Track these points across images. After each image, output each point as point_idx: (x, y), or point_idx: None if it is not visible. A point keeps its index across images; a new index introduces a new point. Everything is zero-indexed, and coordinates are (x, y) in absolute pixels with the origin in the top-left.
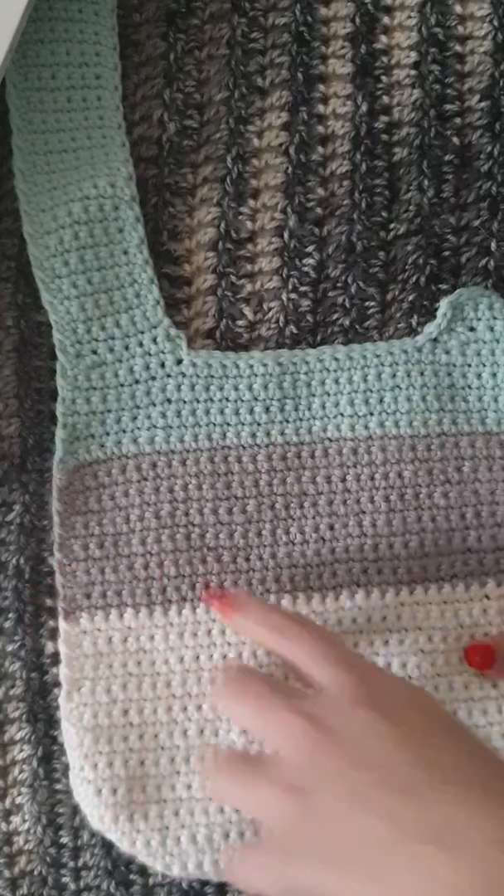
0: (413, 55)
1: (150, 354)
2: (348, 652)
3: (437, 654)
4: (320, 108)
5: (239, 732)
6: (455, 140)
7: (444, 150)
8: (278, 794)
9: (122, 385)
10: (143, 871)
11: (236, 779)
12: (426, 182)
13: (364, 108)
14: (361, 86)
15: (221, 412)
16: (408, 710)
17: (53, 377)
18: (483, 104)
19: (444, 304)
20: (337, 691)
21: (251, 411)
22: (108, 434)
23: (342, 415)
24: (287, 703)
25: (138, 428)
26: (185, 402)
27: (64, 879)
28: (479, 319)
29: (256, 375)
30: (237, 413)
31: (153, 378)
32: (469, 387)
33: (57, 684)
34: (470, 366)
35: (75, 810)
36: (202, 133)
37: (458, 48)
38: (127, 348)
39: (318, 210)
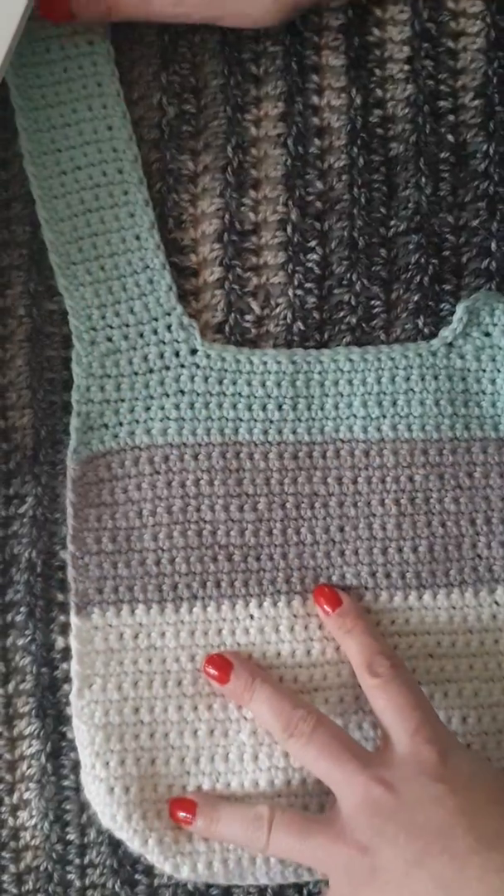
0: (406, 50)
1: (164, 343)
2: (431, 714)
3: (446, 660)
4: (315, 100)
5: (249, 734)
6: (450, 137)
7: (440, 147)
8: (340, 846)
9: (136, 374)
10: (149, 871)
11: (295, 832)
12: (423, 180)
13: (358, 101)
14: (355, 79)
15: (234, 407)
16: (474, 783)
17: (66, 367)
18: (476, 102)
19: (460, 309)
20: (415, 766)
21: (264, 408)
22: (121, 424)
23: (355, 416)
24: (357, 762)
25: (151, 419)
26: (198, 394)
27: (70, 876)
28: (494, 325)
29: (270, 373)
30: (250, 409)
31: (167, 367)
32: (483, 392)
33: (67, 680)
34: (484, 371)
35: (83, 807)
36: (200, 119)
37: (450, 44)
38: (141, 335)
39: (319, 204)
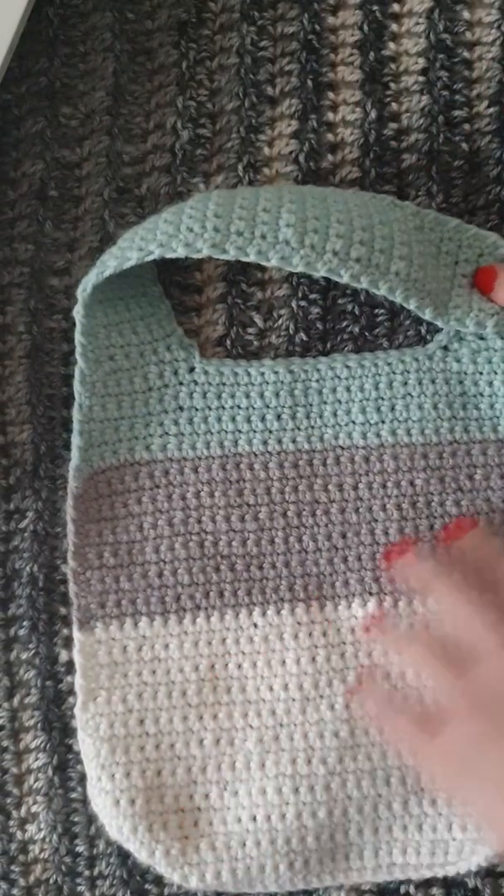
0: (421, 61)
1: (163, 362)
2: None
3: None
4: (330, 116)
5: (255, 742)
6: (464, 145)
7: (453, 155)
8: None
9: (136, 392)
10: (159, 880)
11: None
12: (435, 187)
13: (373, 114)
14: (370, 93)
15: (233, 419)
16: None
17: (65, 384)
18: (491, 110)
19: None
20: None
21: (263, 419)
22: (121, 441)
23: (354, 423)
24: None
25: (151, 435)
26: (196, 409)
27: (79, 888)
28: None
29: (268, 383)
30: (249, 421)
31: (166, 386)
32: (480, 394)
33: (71, 693)
34: (481, 374)
35: (91, 819)
36: (214, 142)
37: (466, 54)
38: (142, 355)
39: None
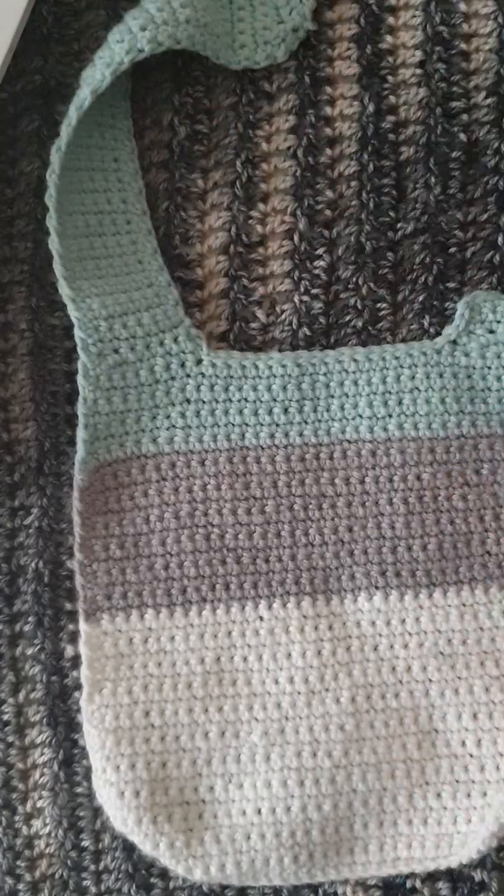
0: (418, 54)
1: (170, 354)
2: None
3: (456, 657)
4: (327, 111)
5: (260, 734)
6: (462, 136)
7: (451, 146)
8: None
9: (142, 384)
10: (164, 874)
11: None
12: (433, 179)
13: (371, 108)
14: (368, 86)
15: (240, 412)
16: None
17: (69, 380)
18: (489, 100)
19: (460, 306)
20: None
21: (270, 412)
22: (127, 434)
23: (361, 416)
24: None
25: (157, 427)
26: (204, 402)
27: (85, 883)
28: (498, 322)
29: (275, 376)
30: (256, 414)
31: (173, 378)
32: (489, 389)
33: (77, 687)
34: (490, 368)
35: (96, 814)
36: (212, 138)
37: (463, 46)
38: (148, 347)
39: (328, 212)
